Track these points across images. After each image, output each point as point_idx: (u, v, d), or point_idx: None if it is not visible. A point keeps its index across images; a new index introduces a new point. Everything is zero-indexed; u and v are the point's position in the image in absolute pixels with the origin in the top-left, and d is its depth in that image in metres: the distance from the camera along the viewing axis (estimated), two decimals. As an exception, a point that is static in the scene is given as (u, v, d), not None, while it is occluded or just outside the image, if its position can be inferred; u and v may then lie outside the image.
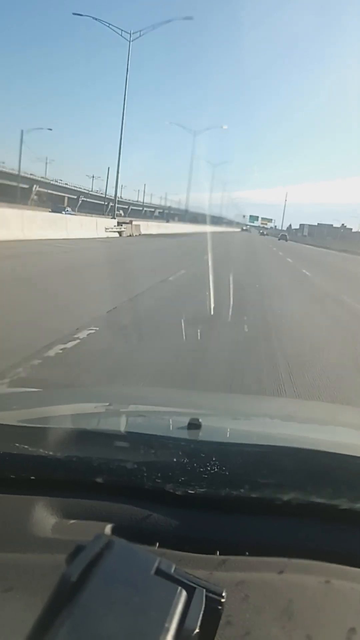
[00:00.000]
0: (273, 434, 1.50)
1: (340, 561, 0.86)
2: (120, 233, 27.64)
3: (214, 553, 0.87)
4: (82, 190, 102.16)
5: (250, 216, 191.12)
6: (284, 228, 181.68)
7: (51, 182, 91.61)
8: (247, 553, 0.87)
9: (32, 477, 0.98)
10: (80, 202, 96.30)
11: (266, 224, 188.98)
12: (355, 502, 0.94)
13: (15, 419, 1.27)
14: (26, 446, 1.00)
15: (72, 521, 0.93)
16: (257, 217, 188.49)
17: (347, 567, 0.85)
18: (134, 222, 32.69)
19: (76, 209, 78.85)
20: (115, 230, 27.16)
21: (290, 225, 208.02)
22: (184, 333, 5.88)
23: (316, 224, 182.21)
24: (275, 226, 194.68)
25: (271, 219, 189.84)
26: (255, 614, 0.72)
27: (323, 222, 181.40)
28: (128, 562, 0.46)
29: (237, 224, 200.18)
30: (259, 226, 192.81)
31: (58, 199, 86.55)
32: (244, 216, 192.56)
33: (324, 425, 1.75)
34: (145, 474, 0.96)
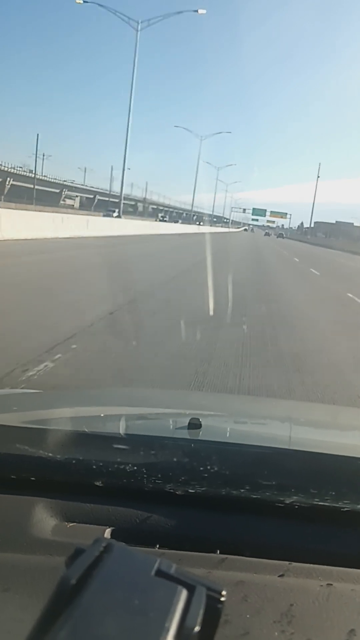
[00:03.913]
0: (274, 435, 1.49)
1: (342, 563, 0.86)
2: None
3: (214, 552, 0.88)
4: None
5: (254, 209, 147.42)
6: (306, 225, 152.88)
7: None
8: (247, 553, 0.87)
9: (33, 478, 0.98)
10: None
11: (273, 222, 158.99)
12: (357, 504, 0.94)
13: (16, 420, 1.26)
14: (27, 447, 1.00)
15: (71, 524, 0.94)
16: (264, 210, 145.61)
17: (349, 569, 0.85)
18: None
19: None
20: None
21: (302, 223, 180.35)
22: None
23: (334, 221, 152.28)
24: (283, 225, 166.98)
25: (286, 213, 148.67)
26: (255, 616, 0.72)
27: (341, 221, 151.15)
28: (127, 565, 0.46)
29: (234, 223, 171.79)
30: (264, 225, 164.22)
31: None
32: (244, 210, 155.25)
33: (324, 426, 1.73)
34: (145, 475, 0.96)
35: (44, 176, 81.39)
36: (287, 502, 0.93)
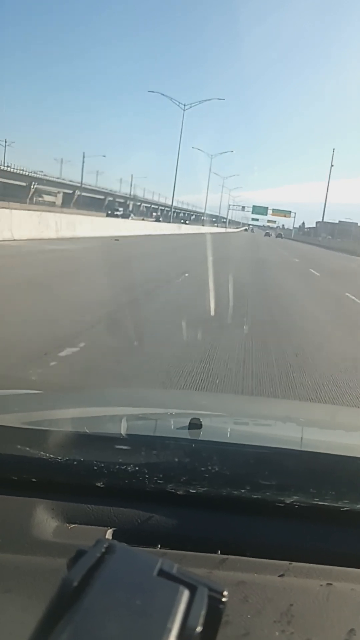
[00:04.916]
0: (274, 435, 1.49)
1: (342, 562, 0.86)
2: None
3: (215, 552, 0.88)
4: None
5: (254, 207, 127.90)
6: (308, 225, 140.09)
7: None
8: (248, 553, 0.88)
9: (34, 480, 0.98)
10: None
11: (274, 222, 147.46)
12: (357, 503, 0.94)
13: (17, 421, 1.25)
14: (28, 448, 1.00)
15: (73, 525, 0.94)
16: (266, 208, 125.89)
17: (349, 569, 0.85)
18: None
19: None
20: None
21: (303, 223, 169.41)
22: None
23: (337, 221, 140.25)
24: (283, 225, 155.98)
25: (290, 211, 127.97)
26: (255, 616, 0.73)
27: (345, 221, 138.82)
28: (129, 565, 0.45)
29: (233, 223, 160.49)
30: (264, 225, 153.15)
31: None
32: (243, 208, 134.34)
33: (324, 426, 1.73)
34: (146, 476, 0.97)
35: (7, 166, 69.57)
36: (288, 502, 0.93)
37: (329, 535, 0.93)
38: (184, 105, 50.32)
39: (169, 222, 74.70)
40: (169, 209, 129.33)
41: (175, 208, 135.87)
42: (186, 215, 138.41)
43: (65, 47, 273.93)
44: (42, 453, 0.98)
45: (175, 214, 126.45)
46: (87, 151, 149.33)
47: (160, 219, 72.00)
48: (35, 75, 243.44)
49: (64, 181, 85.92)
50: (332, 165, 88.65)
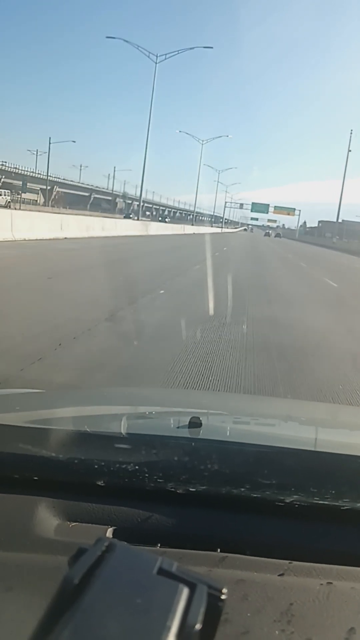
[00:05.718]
0: (274, 433, 1.50)
1: (342, 561, 0.86)
2: None
3: (215, 550, 0.88)
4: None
5: (253, 205, 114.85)
6: (309, 224, 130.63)
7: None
8: (247, 552, 0.88)
9: (35, 478, 0.99)
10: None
11: (275, 221, 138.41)
12: (357, 502, 0.94)
13: (18, 420, 1.26)
14: (29, 447, 1.01)
15: (74, 523, 0.94)
16: (267, 206, 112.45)
17: (349, 567, 0.85)
18: None
19: None
20: None
21: (305, 222, 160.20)
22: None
23: (340, 220, 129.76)
24: (284, 225, 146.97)
25: (293, 209, 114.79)
26: (255, 614, 0.73)
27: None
28: (130, 564, 0.46)
29: (232, 223, 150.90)
30: (264, 225, 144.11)
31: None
32: (241, 206, 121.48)
33: (325, 425, 1.72)
34: (146, 475, 0.97)
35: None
36: (287, 500, 0.94)
37: (329, 534, 0.93)
38: (157, 56, 41.81)
39: (160, 221, 64.63)
40: (164, 208, 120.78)
41: (171, 207, 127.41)
42: (183, 214, 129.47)
43: (64, 47, 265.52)
44: (43, 451, 0.99)
45: (173, 213, 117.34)
46: (83, 150, 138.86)
47: (131, 216, 62.40)
48: (23, 69, 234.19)
49: (38, 175, 76.24)
50: (350, 151, 78.14)
